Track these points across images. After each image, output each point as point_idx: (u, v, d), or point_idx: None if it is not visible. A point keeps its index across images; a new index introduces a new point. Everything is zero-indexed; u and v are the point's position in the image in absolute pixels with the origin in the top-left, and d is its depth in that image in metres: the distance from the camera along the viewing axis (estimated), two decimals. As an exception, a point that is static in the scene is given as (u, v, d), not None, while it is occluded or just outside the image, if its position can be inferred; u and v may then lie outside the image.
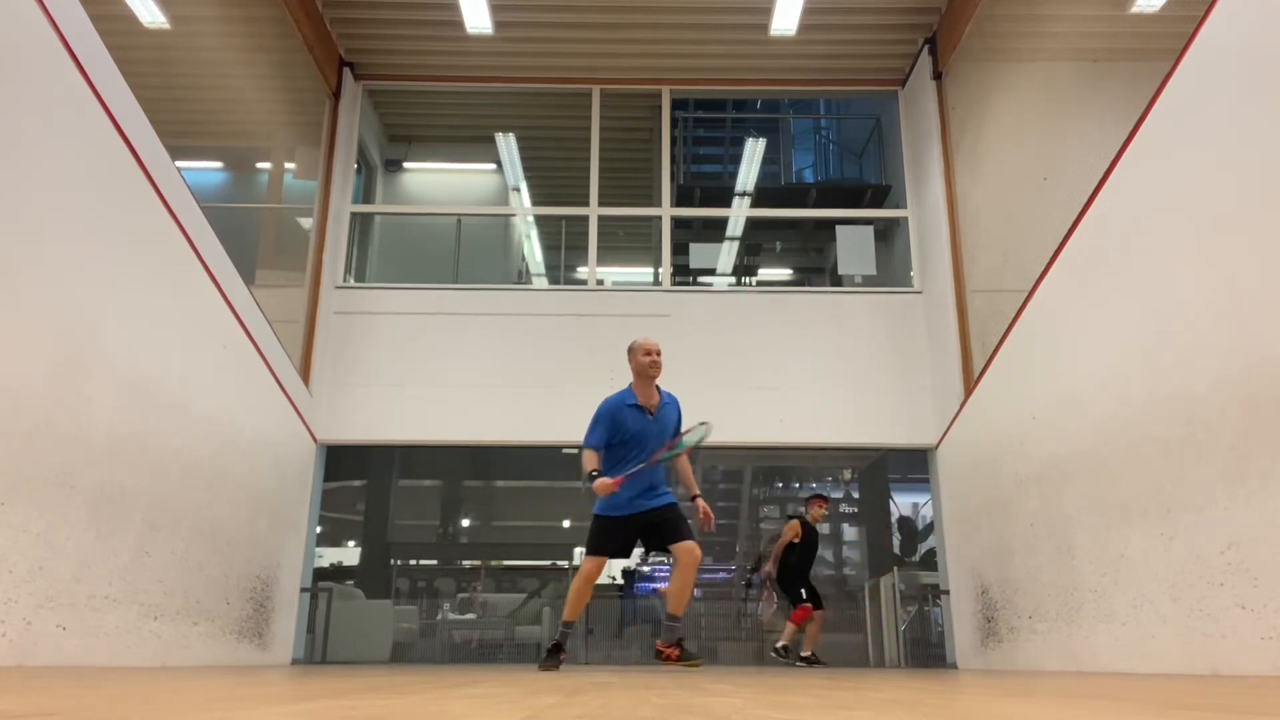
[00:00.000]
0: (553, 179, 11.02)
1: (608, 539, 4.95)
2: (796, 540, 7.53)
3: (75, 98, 4.44)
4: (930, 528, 9.06)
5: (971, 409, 7.20)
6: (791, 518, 7.83)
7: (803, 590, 7.42)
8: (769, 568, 7.65)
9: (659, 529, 4.88)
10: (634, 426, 4.86)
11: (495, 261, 10.22)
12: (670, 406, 5.07)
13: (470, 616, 10.22)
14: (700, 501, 4.97)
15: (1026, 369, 6.18)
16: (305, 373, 7.71)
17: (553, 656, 4.91)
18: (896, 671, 6.14)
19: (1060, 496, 5.55)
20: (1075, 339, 5.48)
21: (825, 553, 13.22)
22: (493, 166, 10.60)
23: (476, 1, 7.94)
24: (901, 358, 8.23)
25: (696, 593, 12.47)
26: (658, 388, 5.02)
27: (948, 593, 7.68)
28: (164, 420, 5.15)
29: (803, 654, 7.42)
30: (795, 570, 7.51)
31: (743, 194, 10.43)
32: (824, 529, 13.30)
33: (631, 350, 5.00)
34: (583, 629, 8.90)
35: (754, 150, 10.43)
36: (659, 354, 4.93)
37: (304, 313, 7.99)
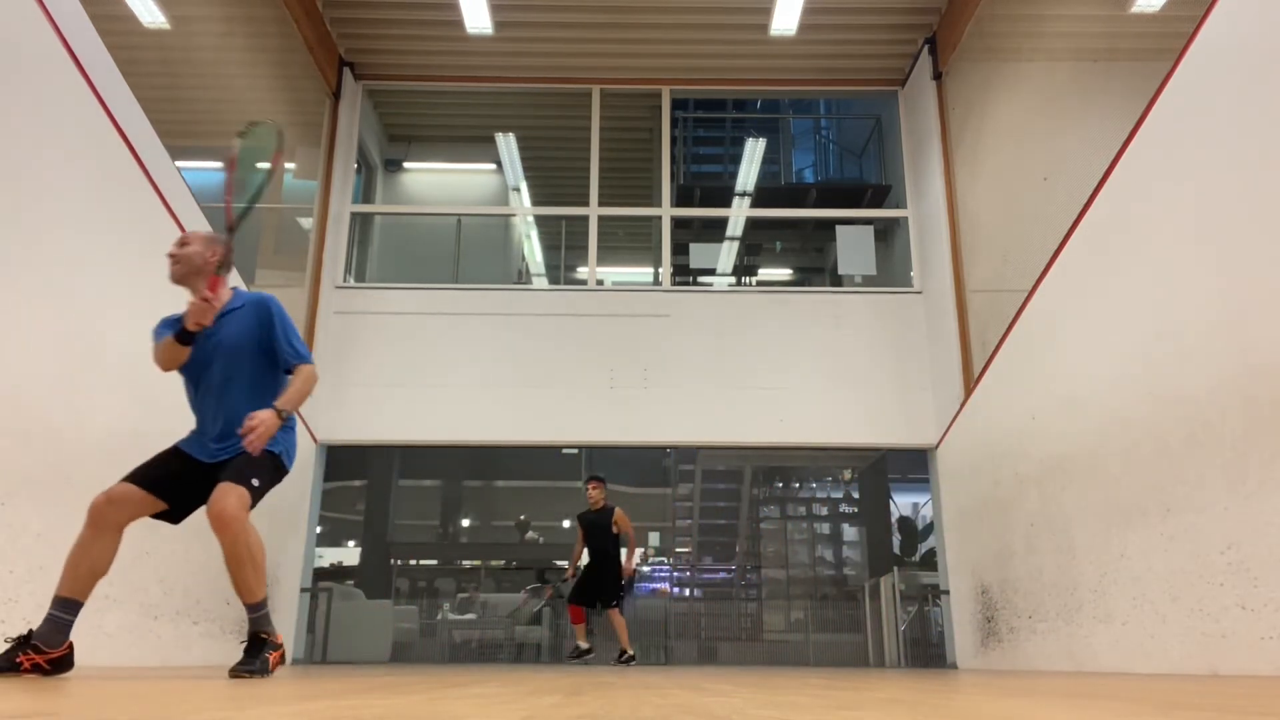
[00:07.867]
0: (553, 179, 11.01)
1: None
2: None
3: (75, 98, 4.44)
4: (930, 528, 9.05)
5: (971, 409, 7.20)
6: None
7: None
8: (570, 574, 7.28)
9: None
10: None
11: (495, 261, 10.22)
12: None
13: (470, 616, 10.22)
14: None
15: (1026, 369, 6.18)
16: (305, 373, 7.69)
17: None
18: (896, 671, 6.14)
19: (1060, 496, 5.55)
20: (1075, 339, 5.48)
21: (825, 552, 13.21)
22: (493, 166, 10.60)
23: (476, 1, 7.94)
24: (901, 358, 8.23)
25: (696, 592, 12.46)
26: None
27: (948, 593, 7.68)
28: (164, 420, 5.14)
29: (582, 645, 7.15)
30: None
31: (743, 194, 10.43)
32: (824, 529, 13.28)
33: None
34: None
35: (754, 150, 10.43)
36: None
37: (304, 313, 7.99)
